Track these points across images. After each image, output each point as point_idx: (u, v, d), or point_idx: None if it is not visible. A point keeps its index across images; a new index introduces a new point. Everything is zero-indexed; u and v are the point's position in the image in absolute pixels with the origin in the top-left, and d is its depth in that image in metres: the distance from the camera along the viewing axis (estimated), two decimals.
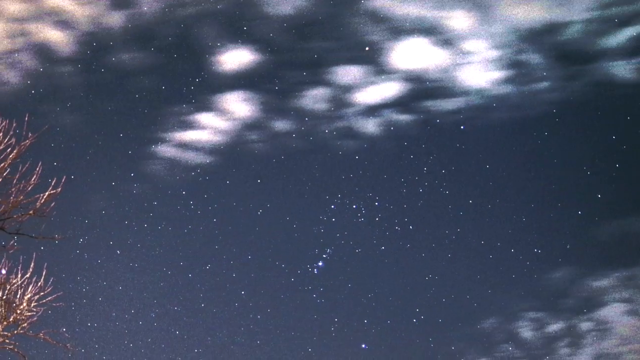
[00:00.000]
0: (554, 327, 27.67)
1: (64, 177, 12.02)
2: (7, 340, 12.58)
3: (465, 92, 25.95)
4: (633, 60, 25.17)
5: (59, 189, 12.04)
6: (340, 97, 26.18)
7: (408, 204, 27.00)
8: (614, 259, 27.12)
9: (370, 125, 26.53)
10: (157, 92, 26.21)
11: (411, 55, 25.30)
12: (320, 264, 27.00)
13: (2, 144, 11.65)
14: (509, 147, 26.93)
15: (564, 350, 27.76)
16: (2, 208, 11.70)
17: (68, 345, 13.24)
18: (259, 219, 27.51)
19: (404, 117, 26.32)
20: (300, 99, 26.23)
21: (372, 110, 26.40)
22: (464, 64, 25.52)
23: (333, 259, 27.22)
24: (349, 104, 26.43)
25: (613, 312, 27.66)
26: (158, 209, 27.03)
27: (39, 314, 12.89)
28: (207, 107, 26.27)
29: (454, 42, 25.13)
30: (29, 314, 12.82)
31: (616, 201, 26.65)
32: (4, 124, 11.65)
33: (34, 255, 12.64)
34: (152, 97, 26.17)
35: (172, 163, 26.69)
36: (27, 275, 12.75)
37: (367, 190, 27.19)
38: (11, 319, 12.67)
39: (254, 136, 26.64)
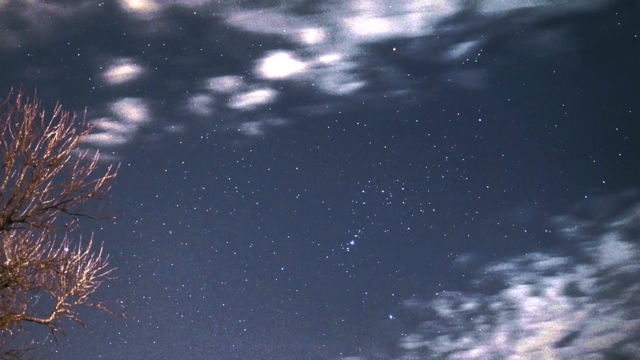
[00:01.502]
0: (469, 305, 30.66)
1: (119, 163, 13.08)
2: (68, 311, 13.77)
3: (331, 99, 28.66)
4: (475, 70, 28.19)
5: (115, 174, 13.12)
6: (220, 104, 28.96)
7: (432, 188, 29.91)
8: (510, 246, 30.30)
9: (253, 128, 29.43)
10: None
11: (276, 66, 28.05)
12: (352, 242, 29.81)
13: (64, 134, 12.73)
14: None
15: (483, 327, 30.77)
16: (63, 192, 12.81)
17: (123, 315, 14.32)
18: (297, 203, 30.15)
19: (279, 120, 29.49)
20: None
21: (250, 115, 29.08)
22: (324, 74, 28.21)
23: (363, 238, 29.99)
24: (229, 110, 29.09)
25: (518, 292, 30.92)
26: (206, 193, 29.42)
27: (97, 287, 14.03)
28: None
29: (312, 55, 27.75)
30: (88, 286, 13.96)
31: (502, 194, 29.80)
32: (65, 115, 12.71)
33: (92, 234, 13.79)
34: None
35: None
36: (86, 252, 13.90)
37: (395, 176, 29.77)
38: (72, 291, 13.84)
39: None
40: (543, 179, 30.29)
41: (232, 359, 29.59)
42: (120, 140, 27.87)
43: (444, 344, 30.42)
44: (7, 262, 13.01)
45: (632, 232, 29.58)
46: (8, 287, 13.16)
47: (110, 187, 13.03)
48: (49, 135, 12.66)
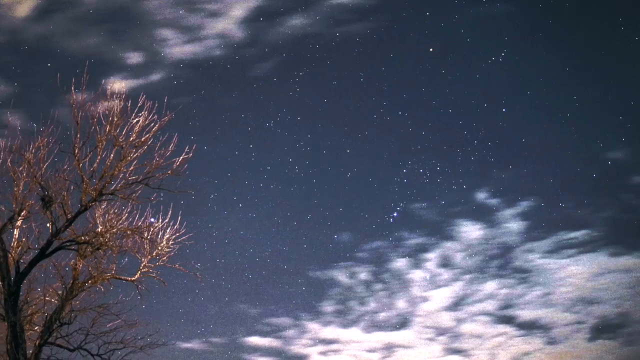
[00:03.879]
0: (363, 275, 34.82)
1: (195, 145, 14.66)
2: (151, 270, 15.64)
3: None
4: None
5: (191, 154, 14.71)
6: None
7: (463, 168, 34.40)
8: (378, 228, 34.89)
9: None
10: None
11: None
12: (395, 214, 34.61)
13: (147, 120, 14.32)
14: None
15: (382, 293, 34.97)
16: (147, 169, 14.51)
17: (197, 274, 16.11)
18: (347, 180, 34.94)
19: None
20: None
21: None
22: None
23: (405, 210, 34.78)
24: None
25: (400, 264, 34.95)
26: (270, 172, 33.82)
27: (175, 250, 15.84)
28: None
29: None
30: (168, 250, 15.77)
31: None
32: (148, 104, 14.28)
33: (172, 206, 15.53)
34: None
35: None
36: (166, 221, 15.67)
37: (431, 158, 34.08)
38: (154, 254, 15.68)
39: None
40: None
41: (293, 314, 34.35)
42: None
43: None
44: (99, 229, 14.85)
45: (477, 215, 34.78)
46: (100, 250, 15.07)
47: (186, 165, 14.63)
48: (135, 121, 14.29)
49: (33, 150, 14.00)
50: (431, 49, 32.25)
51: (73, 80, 14.01)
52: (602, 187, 34.04)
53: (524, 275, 34.91)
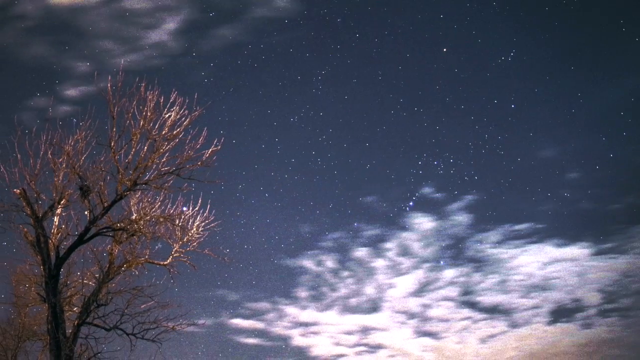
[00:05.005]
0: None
1: (222, 138, 15.32)
2: (182, 255, 16.43)
3: None
4: None
5: (219, 147, 15.37)
6: None
7: (474, 160, 36.62)
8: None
9: None
10: None
11: None
12: (410, 203, 37.15)
13: (179, 114, 14.99)
14: None
15: (349, 280, 37.68)
16: (178, 160, 15.22)
17: (226, 258, 16.90)
18: (367, 172, 37.29)
19: None
20: None
21: None
22: None
23: (420, 200, 37.29)
24: None
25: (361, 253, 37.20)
26: (294, 164, 36.10)
27: (205, 236, 16.63)
28: None
29: None
30: (197, 236, 16.55)
31: None
32: (179, 100, 14.94)
33: (201, 195, 16.28)
34: None
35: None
36: (196, 209, 16.44)
37: (445, 151, 36.55)
38: (185, 239, 16.47)
39: None
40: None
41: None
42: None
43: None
44: (134, 217, 15.68)
45: (425, 208, 36.87)
46: (134, 237, 15.88)
47: (215, 157, 15.31)
48: (167, 115, 14.99)
49: (72, 143, 14.78)
50: (445, 50, 35.00)
51: (109, 78, 14.67)
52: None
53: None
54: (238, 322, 34.98)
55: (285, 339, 36.00)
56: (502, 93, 36.87)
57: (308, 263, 37.24)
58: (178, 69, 33.55)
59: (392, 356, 37.04)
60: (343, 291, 37.52)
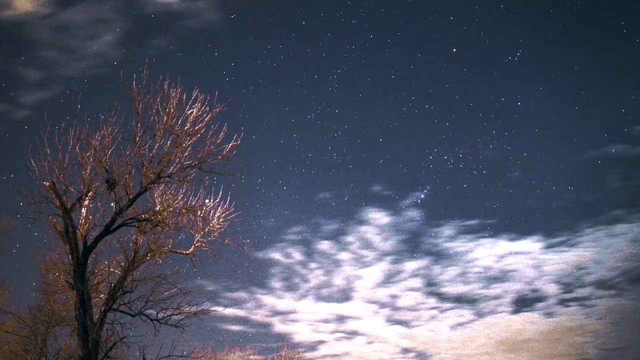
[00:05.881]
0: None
1: (242, 134, 15.87)
2: (203, 245, 17.06)
3: None
4: None
5: (239, 142, 15.93)
6: None
7: (482, 155, 39.12)
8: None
9: None
10: None
11: None
12: (422, 196, 40.69)
13: (200, 111, 15.56)
14: None
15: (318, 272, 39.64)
16: (200, 155, 15.80)
17: (245, 247, 17.56)
18: (380, 166, 40.99)
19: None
20: None
21: None
22: None
23: (431, 192, 40.76)
24: None
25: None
26: (311, 159, 39.87)
27: (225, 227, 17.25)
28: None
29: None
30: (218, 226, 17.17)
31: None
32: (201, 97, 15.49)
33: (222, 187, 16.87)
34: None
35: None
36: (217, 200, 17.05)
37: (455, 146, 40.03)
38: (206, 230, 17.10)
39: None
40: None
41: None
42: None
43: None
44: (157, 208, 16.31)
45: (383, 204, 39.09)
46: (158, 227, 16.50)
47: (235, 151, 15.87)
48: (189, 112, 15.56)
49: (99, 138, 15.41)
50: (454, 50, 36.52)
51: (134, 76, 15.22)
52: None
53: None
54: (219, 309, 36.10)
55: (266, 326, 37.69)
56: (508, 91, 40.38)
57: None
58: None
59: (371, 342, 38.50)
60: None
